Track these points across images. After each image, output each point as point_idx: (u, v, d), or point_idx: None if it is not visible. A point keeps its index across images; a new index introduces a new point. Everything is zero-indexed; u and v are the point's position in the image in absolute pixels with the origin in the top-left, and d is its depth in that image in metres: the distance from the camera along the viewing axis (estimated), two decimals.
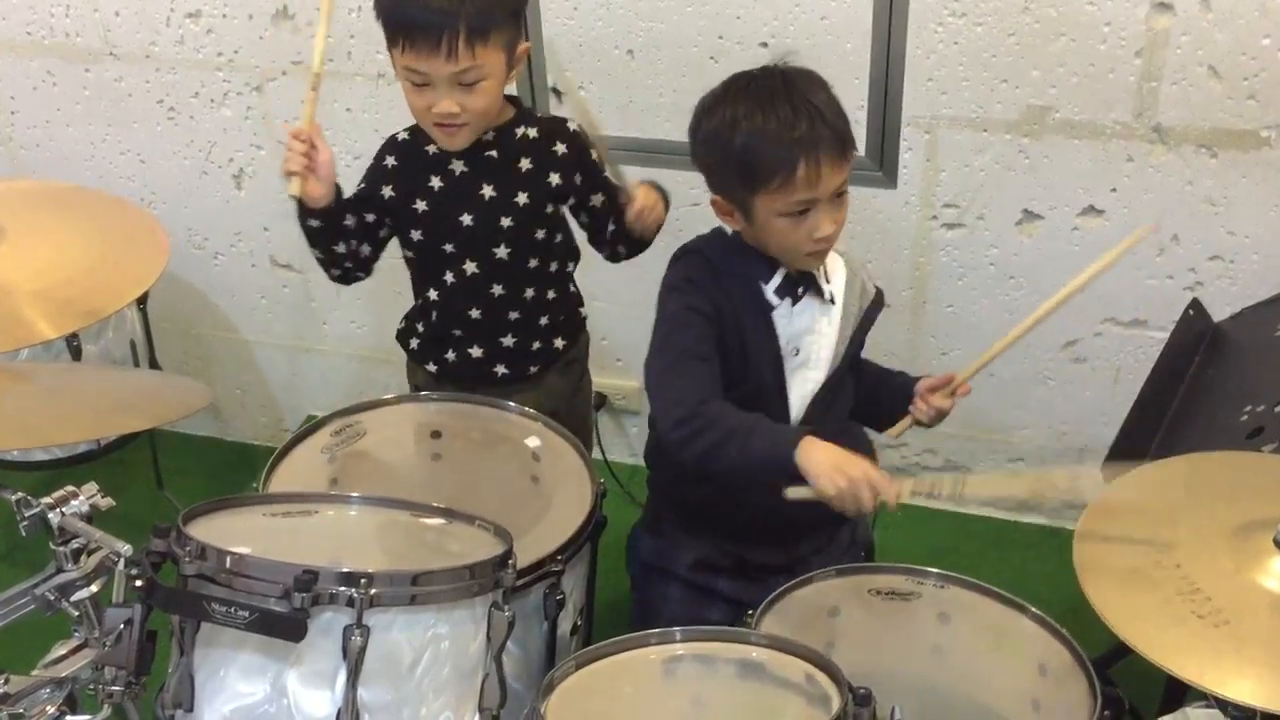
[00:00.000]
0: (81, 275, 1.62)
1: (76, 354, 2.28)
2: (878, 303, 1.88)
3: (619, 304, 2.63)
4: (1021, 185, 2.31)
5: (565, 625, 1.79)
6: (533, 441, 1.98)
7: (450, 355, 2.10)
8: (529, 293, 2.05)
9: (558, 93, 2.48)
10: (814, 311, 1.78)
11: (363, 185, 2.03)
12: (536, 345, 2.10)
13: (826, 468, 1.55)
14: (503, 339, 2.07)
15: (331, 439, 1.94)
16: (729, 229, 1.79)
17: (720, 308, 1.74)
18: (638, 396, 2.74)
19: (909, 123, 2.32)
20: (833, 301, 1.80)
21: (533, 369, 2.11)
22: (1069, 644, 1.58)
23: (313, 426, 1.95)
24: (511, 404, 2.00)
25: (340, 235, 1.98)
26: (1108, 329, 2.40)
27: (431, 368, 2.13)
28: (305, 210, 1.93)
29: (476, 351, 2.08)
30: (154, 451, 2.71)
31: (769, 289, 1.76)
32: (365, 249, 2.04)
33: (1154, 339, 2.36)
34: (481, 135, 1.96)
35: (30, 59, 2.77)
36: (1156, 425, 1.85)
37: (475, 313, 2.05)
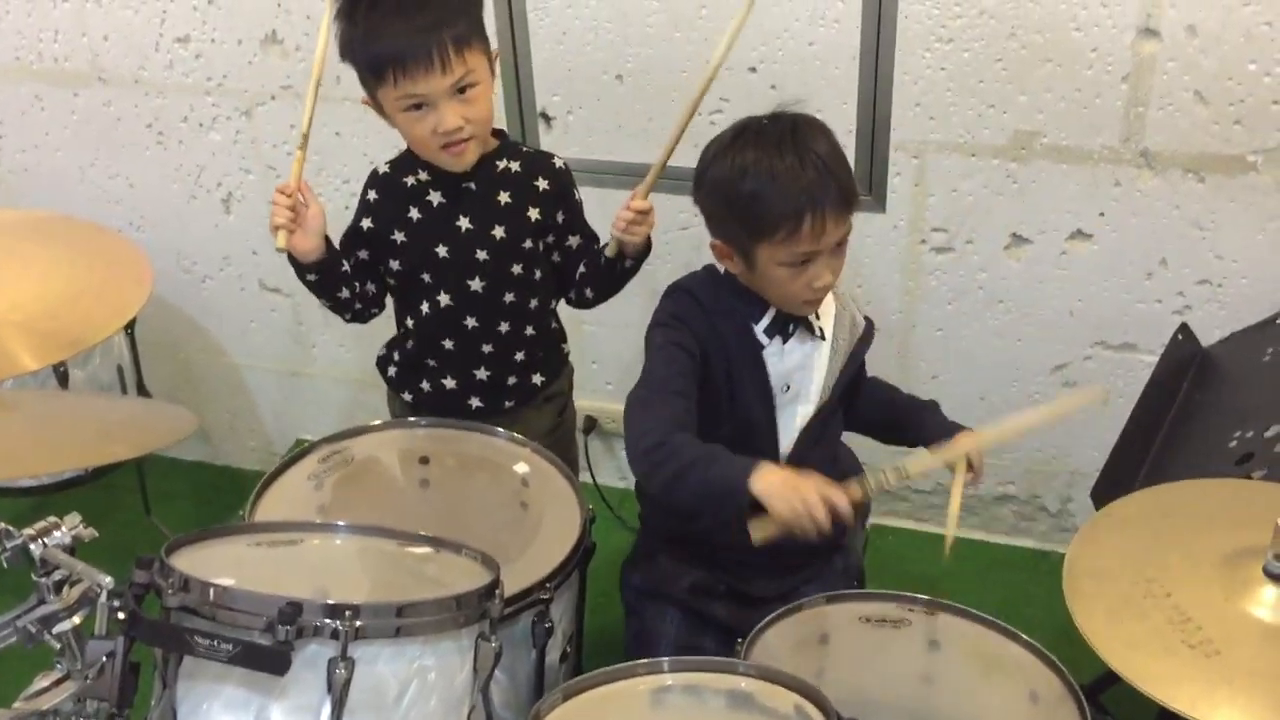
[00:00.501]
0: (64, 306, 1.61)
1: (63, 380, 2.27)
2: (867, 336, 1.87)
3: (609, 327, 2.63)
4: (1010, 209, 2.32)
5: (554, 654, 1.77)
6: (521, 467, 1.97)
7: (425, 385, 2.10)
8: (504, 327, 2.04)
9: (547, 118, 2.48)
10: (805, 348, 1.78)
11: (350, 225, 2.04)
12: (512, 380, 2.09)
13: (779, 488, 1.53)
14: (476, 372, 2.06)
15: (319, 465, 1.93)
16: (721, 268, 1.79)
17: (707, 346, 1.74)
18: None
19: (897, 147, 2.32)
20: (823, 337, 1.80)
21: (508, 404, 2.10)
22: (1060, 672, 1.58)
23: (300, 453, 1.94)
24: (500, 429, 2.00)
25: (340, 282, 1.98)
26: (1097, 352, 2.40)
27: (407, 397, 2.13)
28: (299, 266, 1.94)
29: (450, 383, 2.08)
30: (141, 477, 2.69)
31: (759, 328, 1.76)
32: (371, 287, 2.05)
33: (1143, 362, 2.36)
34: (482, 151, 1.96)
35: (19, 84, 2.76)
36: (1145, 450, 1.85)
37: (449, 344, 2.05)
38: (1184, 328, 2.00)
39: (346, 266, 1.99)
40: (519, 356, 2.08)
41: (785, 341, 1.77)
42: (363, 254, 2.03)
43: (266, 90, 2.61)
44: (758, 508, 1.54)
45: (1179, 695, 1.26)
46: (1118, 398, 2.42)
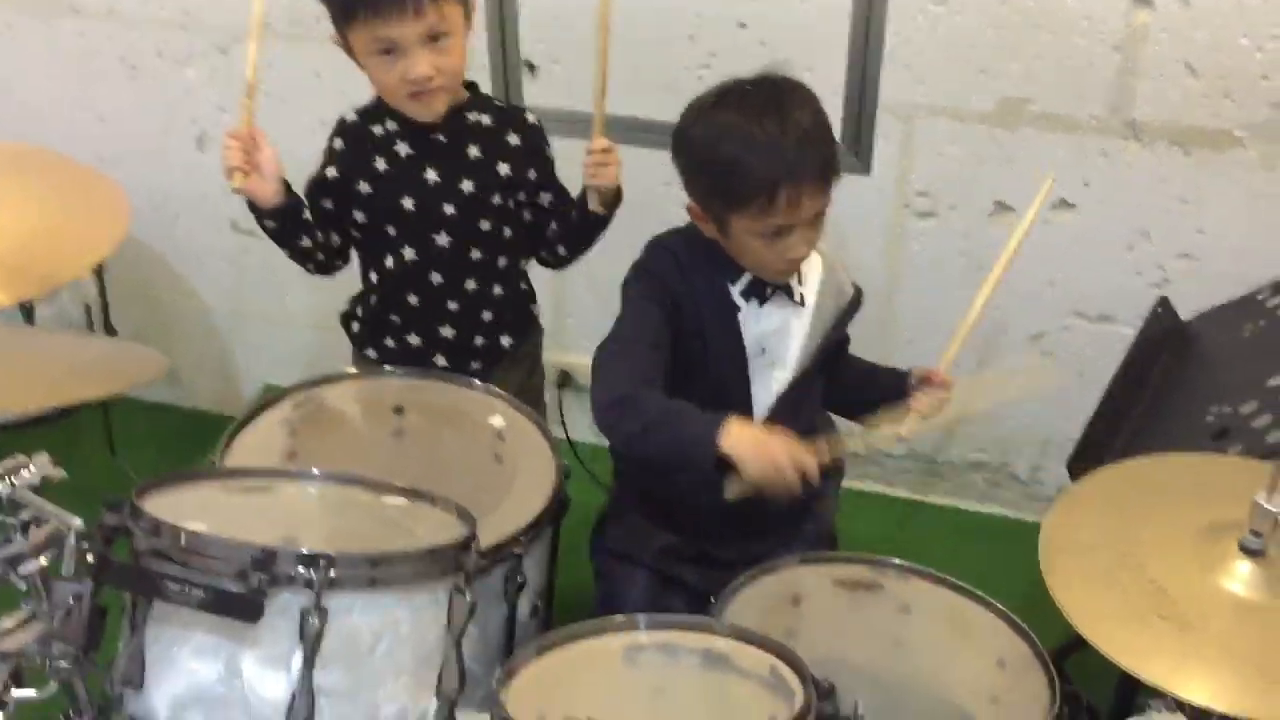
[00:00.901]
0: (36, 241, 1.56)
1: (29, 316, 2.23)
2: (855, 302, 1.85)
3: (585, 281, 2.61)
4: (995, 176, 2.31)
5: (525, 607, 1.76)
6: (497, 420, 1.95)
7: (389, 342, 2.08)
8: (470, 284, 2.01)
9: (531, 67, 2.44)
10: (784, 313, 1.76)
11: (315, 172, 1.99)
12: (479, 341, 2.07)
13: (749, 448, 1.53)
14: (441, 329, 2.04)
15: (292, 412, 1.90)
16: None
17: (680, 302, 1.72)
18: None
19: (885, 109, 2.30)
20: (803, 303, 1.78)
21: (474, 364, 2.07)
22: (1028, 638, 1.59)
23: (273, 399, 1.91)
24: (476, 381, 1.98)
25: (301, 230, 1.94)
26: (1075, 323, 2.41)
27: (371, 354, 2.10)
28: (259, 212, 1.90)
29: (414, 340, 2.05)
30: (107, 417, 2.66)
31: (735, 289, 1.74)
32: (335, 238, 2.01)
33: (1121, 334, 2.36)
34: (451, 103, 1.92)
35: None
36: (1122, 422, 1.85)
37: (413, 299, 2.02)
38: (1163, 301, 2.00)
39: (308, 215, 1.95)
40: (486, 316, 2.05)
41: (762, 304, 1.75)
42: (327, 204, 1.99)
43: (244, 27, 2.54)
44: (728, 464, 1.54)
45: (1151, 666, 1.27)
46: (1094, 369, 2.43)
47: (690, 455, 1.57)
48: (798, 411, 1.81)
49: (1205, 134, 2.16)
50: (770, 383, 1.79)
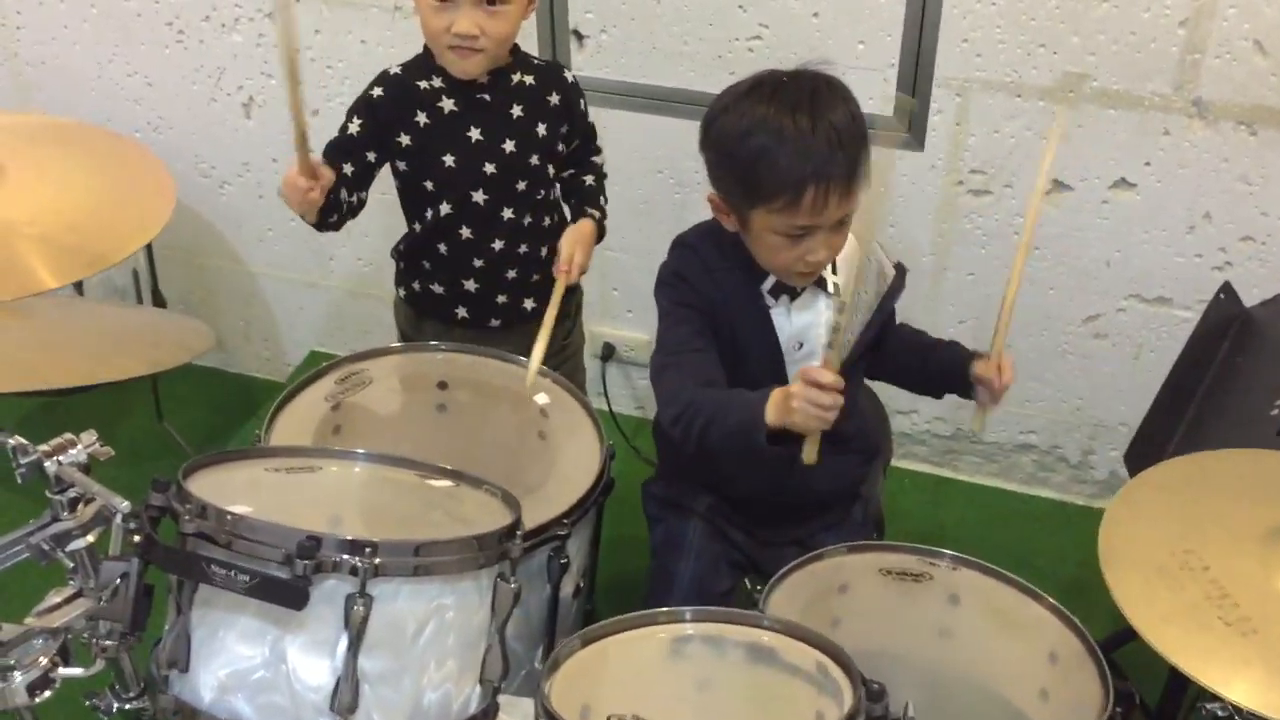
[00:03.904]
0: (85, 219, 1.54)
1: (79, 286, 2.23)
2: (896, 286, 1.77)
3: (631, 253, 2.58)
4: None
5: (568, 588, 1.76)
6: (541, 398, 1.94)
7: (416, 286, 2.09)
8: (497, 243, 2.00)
9: (579, 36, 2.40)
10: (818, 305, 1.72)
11: (347, 126, 1.96)
12: (501, 299, 2.06)
13: (782, 410, 1.50)
14: (465, 282, 2.03)
15: (335, 386, 1.91)
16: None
17: (711, 303, 1.69)
18: (646, 348, 2.69)
19: (940, 84, 2.25)
20: (837, 293, 1.72)
21: (494, 322, 2.07)
22: (1081, 634, 1.55)
23: (317, 373, 1.91)
24: (521, 358, 1.96)
25: (334, 208, 1.92)
26: (1131, 305, 2.35)
27: (401, 292, 2.13)
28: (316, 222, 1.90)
29: (438, 288, 2.06)
30: (154, 383, 2.67)
31: (765, 288, 1.70)
32: (359, 196, 1.99)
33: (1178, 318, 2.31)
34: (490, 67, 1.91)
35: None
36: (1182, 412, 1.81)
37: (442, 248, 2.02)
38: (1226, 286, 1.95)
39: (344, 193, 1.92)
40: (510, 274, 2.04)
41: (793, 300, 1.71)
42: (370, 156, 1.96)
43: None
44: (775, 435, 1.52)
45: (1211, 672, 1.24)
46: (1149, 352, 2.38)
47: (747, 436, 1.55)
48: None
49: (1273, 113, 2.09)
50: None
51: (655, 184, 2.48)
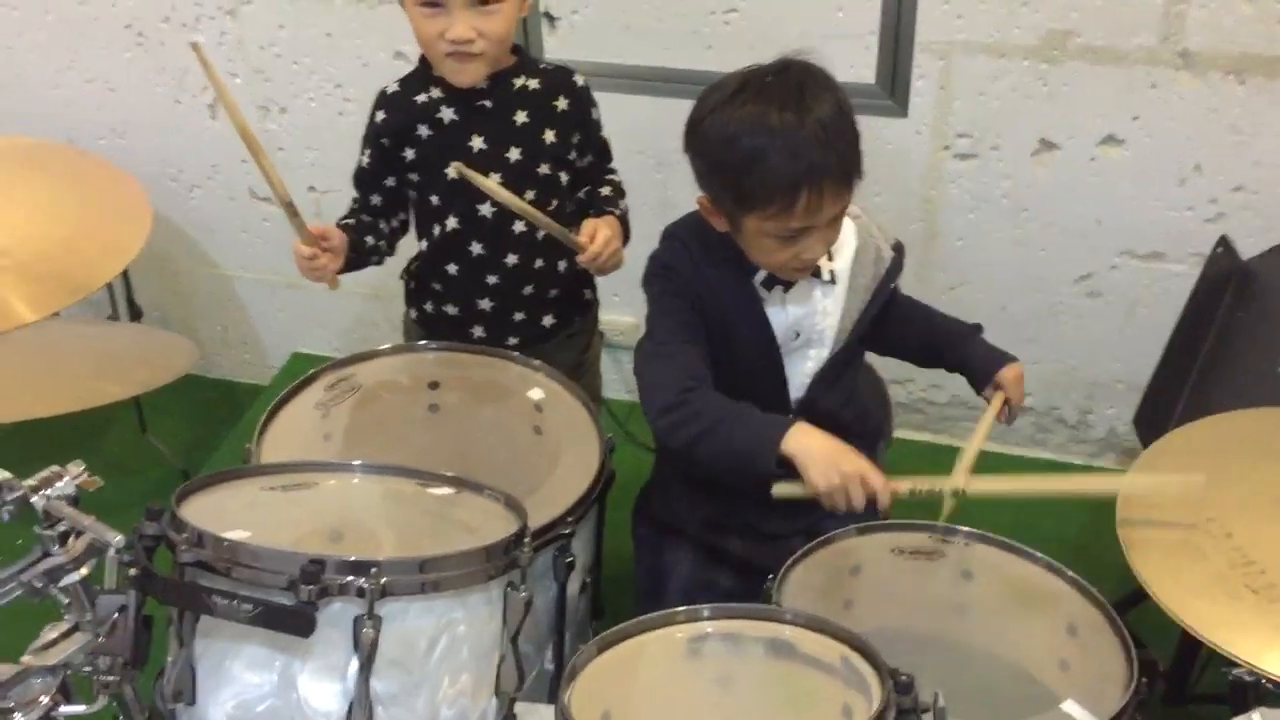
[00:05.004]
0: (56, 247, 1.48)
1: None
2: (894, 269, 1.75)
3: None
4: (1039, 113, 2.22)
5: (574, 585, 1.73)
6: (535, 393, 1.90)
7: (428, 307, 2.04)
8: (511, 258, 1.95)
9: (550, 18, 2.35)
10: (814, 294, 1.68)
11: (360, 158, 1.95)
12: (519, 316, 2.01)
13: (818, 458, 1.48)
14: (479, 301, 1.98)
15: (325, 393, 1.86)
16: None
17: (701, 296, 1.65)
18: (634, 331, 2.65)
19: (922, 48, 2.21)
20: (833, 280, 1.69)
21: (511, 340, 2.01)
22: (1101, 604, 1.53)
23: (305, 380, 1.87)
24: (515, 354, 1.92)
25: (368, 253, 1.92)
26: (1124, 262, 2.33)
27: (413, 314, 2.08)
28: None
29: (451, 309, 2.01)
30: (137, 397, 2.61)
31: (756, 280, 1.66)
32: (396, 220, 1.98)
33: (1171, 272, 2.29)
34: (490, 71, 1.86)
35: None
36: (1187, 372, 1.78)
37: (453, 269, 1.96)
38: (1223, 240, 1.92)
39: (369, 237, 1.92)
40: (527, 290, 1.99)
41: (786, 290, 1.67)
42: (389, 181, 1.94)
43: None
44: (784, 466, 1.50)
45: (1241, 643, 1.21)
46: (1143, 309, 2.36)
47: (752, 457, 1.53)
48: (835, 386, 1.75)
49: (1261, 61, 2.06)
50: (806, 362, 1.73)
51: (636, 165, 2.43)
